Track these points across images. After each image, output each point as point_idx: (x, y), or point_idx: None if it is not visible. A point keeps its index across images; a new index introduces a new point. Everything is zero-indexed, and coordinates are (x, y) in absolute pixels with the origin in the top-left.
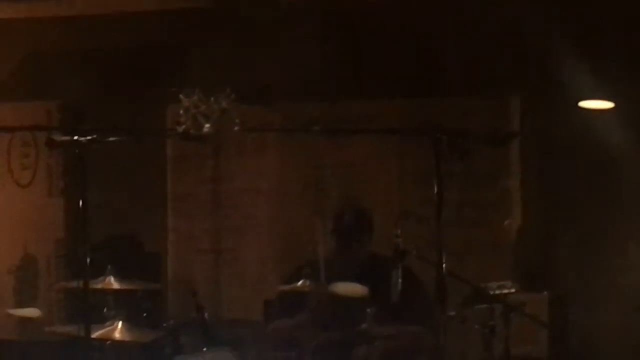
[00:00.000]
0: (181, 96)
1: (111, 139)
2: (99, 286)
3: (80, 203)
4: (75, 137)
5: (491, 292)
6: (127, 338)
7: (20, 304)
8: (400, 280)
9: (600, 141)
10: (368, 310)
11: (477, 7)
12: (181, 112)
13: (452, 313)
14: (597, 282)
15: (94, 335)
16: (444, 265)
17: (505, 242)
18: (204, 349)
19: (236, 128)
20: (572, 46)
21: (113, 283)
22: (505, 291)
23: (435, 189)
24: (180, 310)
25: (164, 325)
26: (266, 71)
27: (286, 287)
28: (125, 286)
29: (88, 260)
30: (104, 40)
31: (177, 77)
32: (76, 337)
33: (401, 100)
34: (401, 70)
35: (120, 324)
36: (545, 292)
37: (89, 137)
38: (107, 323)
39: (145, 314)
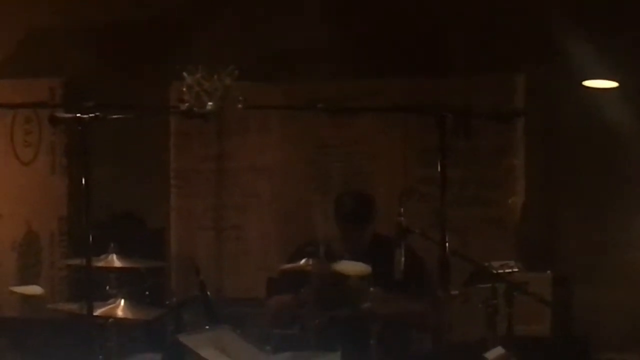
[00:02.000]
0: (184, 74)
1: (114, 116)
2: (102, 264)
3: (83, 180)
4: (78, 114)
5: (494, 271)
6: (129, 316)
7: (23, 281)
8: (403, 259)
9: (604, 119)
10: (371, 289)
11: None
12: (184, 89)
13: (455, 292)
14: (601, 261)
15: (97, 312)
16: (447, 244)
17: (509, 220)
18: (207, 327)
19: (239, 106)
20: (577, 24)
21: (116, 261)
22: (509, 270)
23: (439, 167)
24: (183, 288)
25: (167, 303)
26: (269, 48)
27: (289, 266)
28: (127, 264)
29: (91, 237)
30: (108, 17)
31: (181, 54)
32: (79, 315)
33: (405, 78)
34: (405, 48)
35: (122, 301)
36: (549, 271)
37: (91, 115)
38: (110, 301)
39: (147, 292)
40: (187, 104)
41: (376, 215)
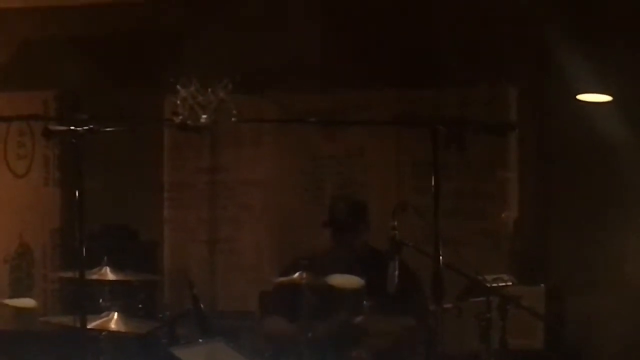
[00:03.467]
0: (178, 87)
1: (108, 129)
2: (95, 277)
3: (77, 193)
4: (72, 127)
5: (488, 285)
6: (122, 329)
7: (16, 294)
8: (396, 273)
9: (598, 133)
10: (364, 302)
11: None
12: (178, 102)
13: (449, 305)
14: (594, 275)
15: (90, 326)
16: (440, 257)
17: (502, 233)
18: (200, 340)
19: (233, 119)
20: (571, 38)
21: (109, 274)
22: (502, 283)
23: (433, 179)
24: (176, 301)
25: (160, 316)
26: (263, 62)
27: (282, 279)
28: (121, 277)
29: (84, 250)
30: (101, 29)
31: (175, 67)
32: (71, 328)
33: (399, 91)
34: (399, 61)
35: (116, 314)
36: (542, 285)
37: (85, 127)
38: (103, 314)
39: (141, 305)
40: (180, 117)
41: (369, 221)
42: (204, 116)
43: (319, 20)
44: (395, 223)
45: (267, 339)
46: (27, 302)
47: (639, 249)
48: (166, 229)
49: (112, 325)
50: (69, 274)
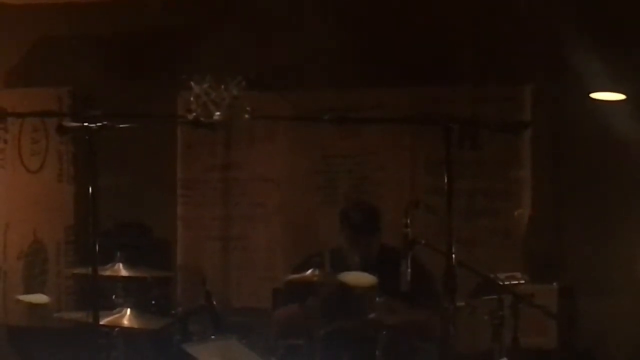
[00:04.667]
0: (192, 83)
1: (121, 125)
2: (108, 273)
3: (90, 189)
4: (86, 124)
5: (500, 283)
6: (135, 325)
7: (29, 290)
8: (409, 270)
9: (612, 131)
10: (377, 299)
11: None
12: (192, 99)
13: (461, 303)
14: (607, 273)
15: (103, 322)
16: (453, 255)
17: (515, 232)
18: (213, 337)
19: (246, 116)
20: (585, 36)
21: (122, 270)
22: (515, 282)
23: (446, 178)
24: (189, 297)
25: (173, 312)
26: (277, 59)
27: (295, 276)
28: (134, 273)
29: (97, 246)
30: (116, 26)
31: (189, 64)
32: (84, 324)
33: (413, 89)
34: (413, 59)
35: (128, 311)
36: (555, 283)
37: (99, 124)
38: (116, 310)
39: (153, 302)
40: (194, 114)
41: (382, 226)
42: (217, 113)
43: (333, 18)
44: (408, 221)
45: (279, 330)
46: (41, 298)
47: None
48: (179, 225)
49: (125, 321)
50: (82, 270)
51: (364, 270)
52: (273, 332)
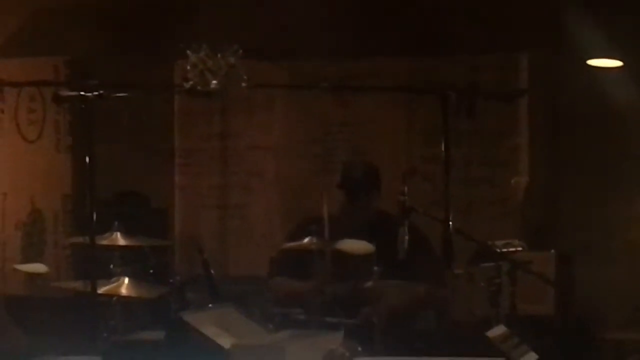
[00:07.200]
0: (188, 52)
1: (118, 94)
2: (106, 242)
3: (87, 159)
4: (82, 93)
5: (498, 250)
6: (133, 294)
7: (27, 260)
8: (406, 238)
9: (609, 99)
10: (375, 267)
11: None
12: (188, 68)
13: (459, 271)
14: (604, 240)
15: (100, 291)
16: (450, 223)
17: (512, 200)
18: (210, 305)
19: (243, 84)
20: (581, 3)
21: (120, 239)
22: (512, 249)
23: (443, 146)
24: (187, 266)
25: (170, 281)
26: (274, 27)
27: (292, 244)
28: (131, 242)
29: (95, 216)
30: None
31: (185, 32)
32: (82, 293)
33: (409, 57)
34: (409, 27)
35: (126, 280)
36: (553, 250)
37: (95, 93)
38: (114, 279)
39: (151, 270)
40: (191, 83)
41: (381, 185)
42: (214, 81)
43: None
44: (405, 189)
45: (275, 299)
46: (39, 268)
47: None
48: (177, 194)
49: (123, 290)
50: (80, 240)
51: (361, 237)
52: (269, 301)
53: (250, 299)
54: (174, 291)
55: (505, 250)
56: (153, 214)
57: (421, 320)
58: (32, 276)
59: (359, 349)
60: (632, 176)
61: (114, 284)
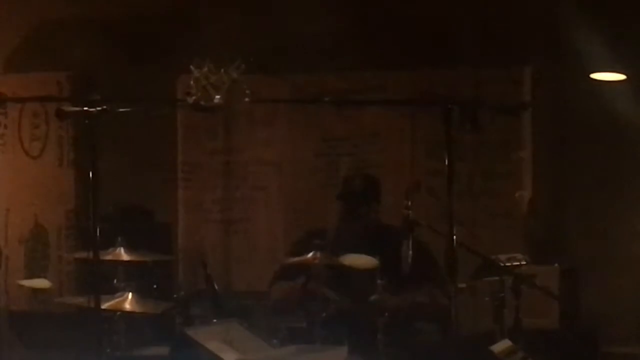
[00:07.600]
0: (192, 67)
1: (122, 109)
2: (109, 257)
3: (91, 174)
4: (86, 108)
5: (502, 264)
6: (137, 309)
7: (31, 275)
8: (410, 252)
9: (612, 112)
10: (378, 281)
11: None
12: (191, 83)
13: (463, 285)
14: (608, 254)
15: (104, 306)
16: (454, 236)
17: (516, 213)
18: (214, 320)
19: (246, 99)
20: (585, 17)
21: (123, 254)
22: (516, 263)
23: (446, 159)
24: (191, 281)
25: (174, 296)
26: (276, 42)
27: (296, 259)
28: (135, 257)
29: (98, 231)
30: (115, 10)
31: (188, 48)
32: (86, 308)
33: (413, 71)
34: (413, 41)
35: (130, 295)
36: (556, 264)
37: (99, 108)
38: (117, 294)
39: (155, 285)
40: (194, 98)
41: (381, 197)
42: (217, 97)
43: (333, 0)
44: (409, 203)
45: (275, 305)
46: (42, 283)
47: None
48: (180, 209)
49: (127, 306)
50: (84, 255)
51: (364, 249)
52: (269, 309)
53: (254, 314)
54: (178, 306)
55: (509, 264)
56: (157, 229)
57: (425, 334)
58: (36, 291)
59: None
60: (636, 189)
61: (118, 299)
